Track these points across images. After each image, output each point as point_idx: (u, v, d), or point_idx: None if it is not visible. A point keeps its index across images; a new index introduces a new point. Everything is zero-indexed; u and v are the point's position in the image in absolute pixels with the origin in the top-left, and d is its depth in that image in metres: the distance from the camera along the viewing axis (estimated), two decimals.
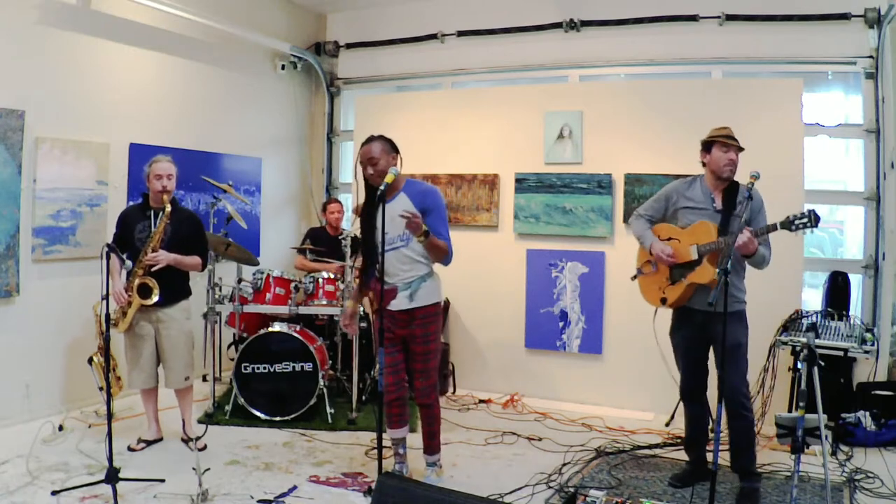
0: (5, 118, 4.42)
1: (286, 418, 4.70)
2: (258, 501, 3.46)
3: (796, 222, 3.19)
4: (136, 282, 4.00)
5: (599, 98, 5.62)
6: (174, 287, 4.15)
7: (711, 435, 3.75)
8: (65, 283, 4.85)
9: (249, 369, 4.73)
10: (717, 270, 3.16)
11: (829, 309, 4.80)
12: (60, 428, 4.39)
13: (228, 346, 5.72)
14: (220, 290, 4.93)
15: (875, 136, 5.09)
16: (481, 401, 5.54)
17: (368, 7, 6.85)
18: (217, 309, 4.89)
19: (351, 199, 6.71)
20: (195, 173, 5.39)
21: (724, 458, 3.83)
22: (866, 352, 4.43)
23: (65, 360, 4.89)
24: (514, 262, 5.80)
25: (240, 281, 4.92)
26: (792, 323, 4.59)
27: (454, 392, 5.80)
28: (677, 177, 5.21)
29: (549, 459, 4.22)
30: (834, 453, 4.21)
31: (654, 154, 5.37)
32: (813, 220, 3.17)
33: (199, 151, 5.85)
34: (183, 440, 4.28)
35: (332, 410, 4.84)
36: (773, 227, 3.28)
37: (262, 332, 4.80)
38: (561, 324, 5.66)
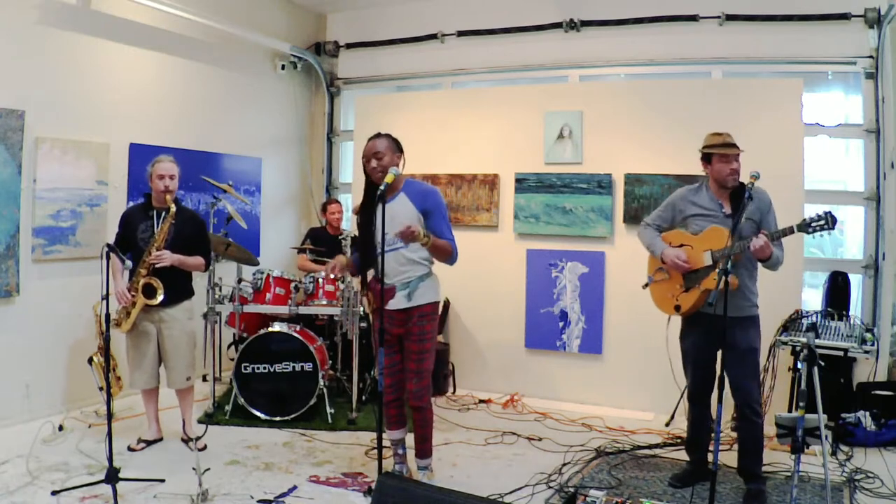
0: (5, 118, 4.42)
1: (286, 418, 4.70)
2: (258, 501, 3.46)
3: (813, 224, 3.12)
4: (141, 282, 4.00)
5: (599, 98, 5.62)
6: (177, 287, 4.15)
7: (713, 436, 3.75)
8: (65, 283, 4.85)
9: (249, 369, 4.73)
10: (717, 271, 3.15)
11: (829, 309, 4.80)
12: (60, 428, 4.39)
13: (228, 346, 5.72)
14: (220, 290, 4.93)
15: (875, 136, 5.09)
16: (481, 401, 5.55)
17: (368, 7, 6.85)
18: (217, 309, 4.89)
19: (351, 199, 6.72)
20: (195, 173, 5.39)
21: (724, 458, 3.84)
22: (866, 352, 4.43)
23: (65, 360, 4.89)
24: (514, 262, 5.80)
25: (240, 281, 4.92)
26: (792, 323, 4.59)
27: (454, 392, 5.80)
28: (677, 177, 5.26)
29: (549, 459, 4.22)
30: (834, 453, 4.21)
31: (654, 154, 5.37)
32: (830, 221, 3.11)
33: (199, 151, 5.85)
34: (183, 440, 4.28)
35: (332, 410, 4.84)
36: (790, 230, 3.23)
37: (262, 332, 4.80)
38: (561, 324, 5.66)
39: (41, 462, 3.86)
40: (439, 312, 3.72)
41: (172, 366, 4.21)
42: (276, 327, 4.85)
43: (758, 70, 5.56)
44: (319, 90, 7.23)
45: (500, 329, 5.86)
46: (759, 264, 3.48)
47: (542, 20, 6.10)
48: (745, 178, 3.45)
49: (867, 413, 4.47)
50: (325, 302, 4.95)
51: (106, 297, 3.35)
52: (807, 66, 5.35)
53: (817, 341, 4.02)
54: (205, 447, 4.17)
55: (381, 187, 3.32)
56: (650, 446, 4.45)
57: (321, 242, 5.76)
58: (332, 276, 3.56)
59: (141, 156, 5.14)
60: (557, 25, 6.01)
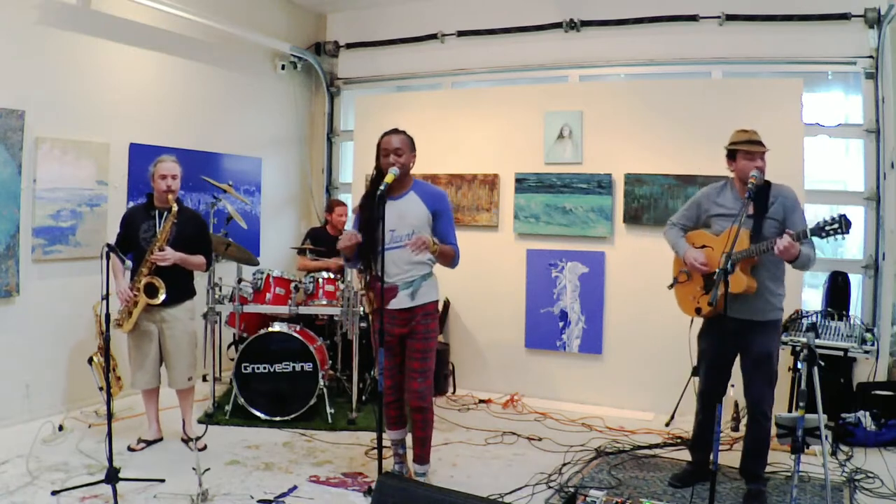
0: (5, 118, 4.42)
1: (286, 418, 4.70)
2: (258, 501, 3.46)
3: (827, 228, 3.07)
4: (143, 281, 4.00)
5: (599, 98, 5.62)
6: (178, 287, 4.16)
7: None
8: (65, 283, 4.85)
9: (249, 369, 4.73)
10: (717, 270, 3.13)
11: (829, 309, 4.81)
12: (60, 428, 4.38)
13: (228, 346, 5.72)
14: (220, 290, 4.93)
15: (875, 136, 5.09)
16: (481, 401, 5.54)
17: (368, 7, 6.85)
18: (217, 309, 4.89)
19: (351, 199, 6.71)
20: (195, 173, 5.38)
21: (724, 458, 3.84)
22: (866, 352, 4.43)
23: (65, 360, 4.89)
24: (514, 262, 5.80)
25: (240, 281, 4.92)
26: (792, 323, 4.59)
27: (454, 392, 5.80)
28: (677, 177, 5.26)
29: (549, 459, 4.22)
30: (834, 453, 4.21)
31: (654, 154, 5.37)
32: (844, 225, 3.04)
33: (199, 151, 5.84)
34: (183, 440, 4.28)
35: (332, 410, 4.84)
36: (804, 234, 3.17)
37: (262, 332, 4.80)
38: (561, 324, 5.66)
39: (41, 462, 3.86)
40: (440, 311, 3.72)
41: (174, 366, 4.21)
42: (276, 327, 4.85)
43: (758, 70, 5.56)
44: (319, 90, 7.23)
45: (500, 329, 5.86)
46: (791, 265, 3.34)
47: (542, 20, 6.10)
48: (780, 172, 3.43)
49: (867, 413, 4.47)
50: (325, 302, 4.95)
51: (106, 297, 3.35)
52: (807, 66, 5.35)
53: (817, 341, 4.03)
54: (205, 447, 4.17)
55: (381, 187, 3.31)
56: (650, 446, 4.45)
57: (321, 242, 5.76)
58: (348, 243, 3.36)
59: (141, 156, 5.14)
60: (557, 25, 6.01)
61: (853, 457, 4.20)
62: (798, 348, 4.36)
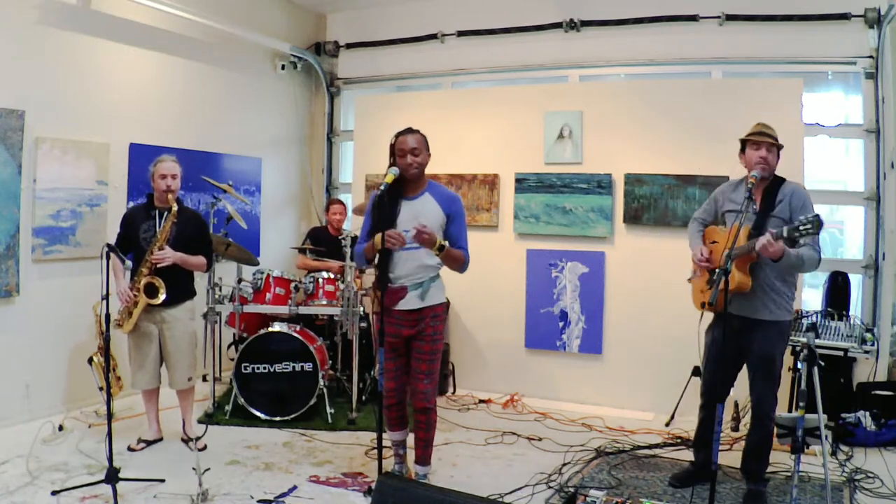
0: (5, 118, 4.42)
1: (286, 418, 4.70)
2: (258, 501, 3.46)
3: (801, 228, 3.07)
4: (143, 281, 4.00)
5: (599, 98, 5.62)
6: (179, 287, 4.15)
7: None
8: (65, 283, 4.85)
9: (249, 369, 4.73)
10: (717, 270, 3.13)
11: (829, 309, 4.81)
12: (60, 428, 4.38)
13: (228, 346, 5.72)
14: (220, 290, 4.93)
15: (875, 136, 5.09)
16: (481, 401, 5.54)
17: (368, 7, 6.85)
18: (217, 309, 4.89)
19: (351, 199, 6.72)
20: (195, 173, 5.38)
21: (724, 458, 3.84)
22: (866, 352, 4.43)
23: (65, 359, 4.89)
24: (514, 262, 5.80)
25: (240, 281, 4.92)
26: (792, 323, 4.57)
27: (454, 392, 5.80)
28: (677, 177, 5.26)
29: (549, 459, 4.22)
30: (834, 453, 4.21)
31: (654, 154, 5.37)
32: (816, 226, 3.04)
33: (199, 151, 5.84)
34: (183, 440, 4.28)
35: (332, 410, 4.84)
36: (781, 235, 3.16)
37: (262, 332, 4.80)
38: (561, 324, 5.66)
39: (41, 462, 3.86)
40: (447, 313, 3.71)
41: (174, 366, 4.21)
42: (276, 327, 4.85)
43: (758, 70, 5.56)
44: (319, 90, 7.23)
45: (500, 329, 5.86)
46: (784, 266, 3.32)
47: (542, 20, 6.10)
48: (779, 172, 3.44)
49: (867, 413, 4.47)
50: (325, 302, 4.95)
51: (106, 297, 3.34)
52: (807, 66, 5.35)
53: (817, 341, 4.03)
54: (205, 447, 4.17)
55: (381, 188, 3.30)
56: (650, 446, 4.45)
57: (322, 242, 5.76)
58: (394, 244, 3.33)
59: (141, 156, 5.14)
60: (557, 25, 6.01)
61: (853, 457, 4.20)
62: (798, 348, 4.36)
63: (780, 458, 4.02)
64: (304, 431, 4.60)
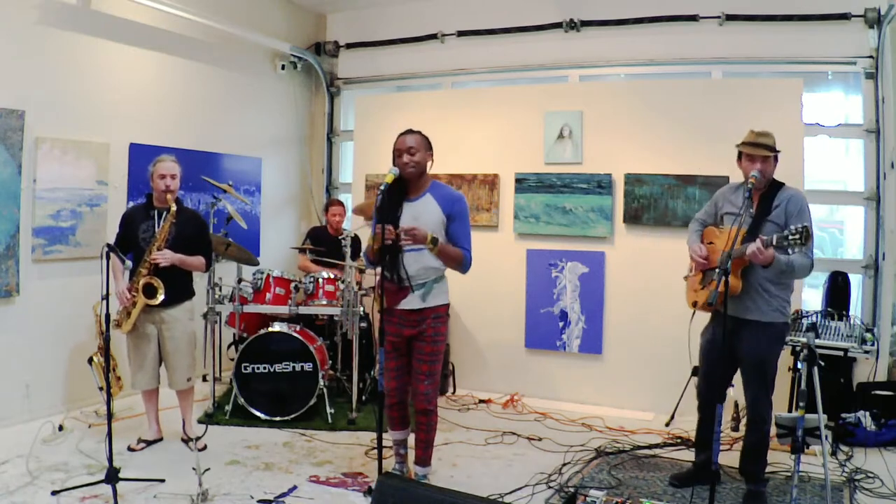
0: (5, 118, 4.42)
1: (286, 418, 4.70)
2: (258, 501, 3.46)
3: (789, 238, 3.08)
4: (142, 282, 4.00)
5: (599, 98, 5.62)
6: (178, 287, 4.15)
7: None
8: (65, 283, 4.85)
9: (249, 369, 4.73)
10: (717, 270, 3.14)
11: (829, 309, 4.80)
12: (60, 428, 4.38)
13: (228, 346, 5.72)
14: (220, 290, 4.93)
15: (875, 136, 5.09)
16: (481, 401, 5.55)
17: (368, 7, 6.85)
18: (217, 309, 4.89)
19: (351, 199, 6.72)
20: (195, 173, 5.38)
21: (724, 458, 3.84)
22: (866, 352, 4.43)
23: (65, 359, 4.89)
24: (514, 262, 5.80)
25: (240, 281, 4.92)
26: (792, 323, 4.58)
27: (454, 392, 5.80)
28: (677, 177, 5.26)
29: (549, 459, 4.22)
30: (834, 453, 4.21)
31: (654, 154, 5.37)
32: (804, 237, 3.04)
33: (199, 151, 5.84)
34: (183, 440, 4.28)
35: (332, 410, 4.84)
36: (770, 243, 3.17)
37: (262, 332, 4.80)
38: (561, 324, 5.66)
39: (41, 462, 3.86)
40: (449, 314, 3.71)
41: (174, 367, 4.20)
42: (276, 327, 4.85)
43: (758, 70, 5.56)
44: (319, 90, 7.23)
45: (500, 329, 5.86)
46: (773, 271, 3.33)
47: (542, 20, 6.10)
48: (780, 173, 3.46)
49: (867, 413, 4.47)
50: (325, 302, 4.95)
51: (106, 297, 3.34)
52: (807, 66, 5.35)
53: (817, 341, 4.03)
54: (205, 447, 4.17)
55: (381, 188, 3.31)
56: (650, 446, 4.45)
57: (322, 242, 5.76)
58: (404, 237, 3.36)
59: (141, 156, 5.14)
60: (557, 25, 6.01)
61: (853, 457, 4.20)
62: (798, 348, 4.36)
63: (780, 458, 4.03)
64: (304, 431, 4.60)
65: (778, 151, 3.50)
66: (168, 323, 4.15)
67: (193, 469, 3.43)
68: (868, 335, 4.47)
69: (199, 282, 4.55)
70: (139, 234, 4.11)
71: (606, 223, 5.50)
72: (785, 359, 4.66)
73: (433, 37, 6.54)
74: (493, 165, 5.91)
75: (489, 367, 5.90)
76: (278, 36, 6.62)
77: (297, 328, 4.91)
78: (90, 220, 5.00)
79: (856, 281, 5.19)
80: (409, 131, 3.52)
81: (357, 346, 4.85)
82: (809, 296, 5.42)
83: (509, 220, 5.84)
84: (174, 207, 4.04)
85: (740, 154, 3.56)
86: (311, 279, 4.99)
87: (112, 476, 3.26)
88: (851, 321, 4.62)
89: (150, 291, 4.01)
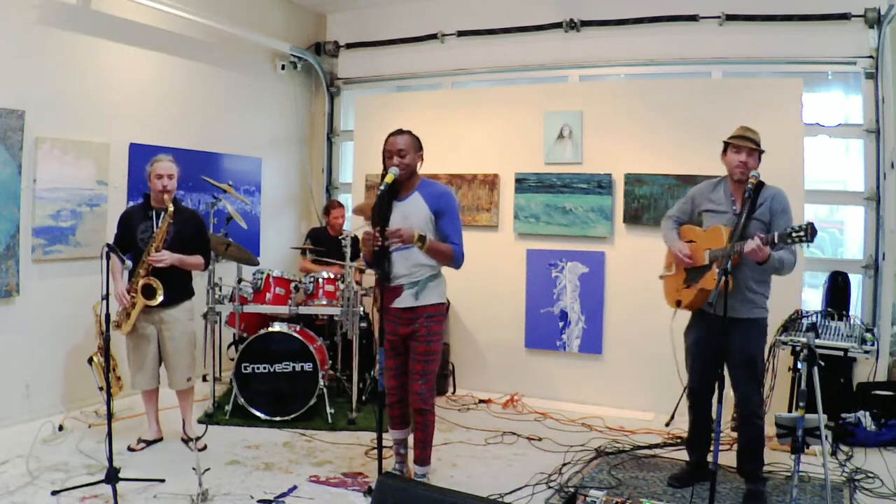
0: (5, 118, 4.42)
1: (286, 418, 4.70)
2: (258, 501, 3.46)
3: (793, 235, 3.11)
4: (140, 282, 3.99)
5: (599, 98, 5.62)
6: (177, 287, 4.15)
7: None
8: (65, 283, 4.85)
9: (249, 369, 4.73)
10: (718, 271, 3.15)
11: (829, 309, 4.80)
12: (60, 428, 4.38)
13: (228, 346, 5.72)
14: (220, 290, 4.93)
15: (875, 136, 5.09)
16: (481, 401, 5.54)
17: (368, 7, 6.85)
18: (217, 309, 4.89)
19: (351, 199, 6.72)
20: (195, 173, 5.38)
21: (724, 458, 3.84)
22: (866, 352, 4.42)
23: (65, 359, 4.89)
24: (514, 262, 5.80)
25: (240, 281, 4.92)
26: (792, 323, 4.59)
27: (454, 392, 5.80)
28: (677, 177, 5.26)
29: (549, 459, 4.22)
30: (834, 453, 4.21)
31: (654, 154, 5.37)
32: (810, 234, 3.07)
33: (199, 151, 5.84)
34: (183, 440, 4.28)
35: (332, 410, 4.84)
36: (772, 239, 3.20)
37: (262, 332, 4.80)
38: (561, 324, 5.66)
39: (41, 462, 3.86)
40: (445, 314, 3.71)
41: (173, 367, 4.20)
42: (276, 327, 4.85)
43: (758, 70, 5.56)
44: (319, 90, 7.23)
45: (500, 329, 5.86)
46: (765, 267, 3.37)
47: (542, 20, 6.10)
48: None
49: (867, 413, 4.47)
50: (325, 302, 4.95)
51: (106, 298, 3.35)
52: (807, 66, 5.35)
53: (817, 341, 4.02)
54: (205, 447, 4.17)
55: (381, 188, 3.31)
56: (650, 446, 4.45)
57: (322, 243, 5.76)
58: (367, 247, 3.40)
59: (141, 156, 5.13)
60: (557, 25, 6.01)
61: (853, 457, 4.20)
62: (798, 348, 4.36)
63: (780, 458, 4.03)
64: (304, 431, 4.60)
65: (763, 151, 3.52)
66: (168, 323, 4.15)
67: (193, 469, 3.43)
68: (868, 335, 4.47)
69: (199, 282, 4.55)
70: (137, 234, 4.10)
71: (606, 223, 5.50)
72: (785, 359, 4.67)
73: (433, 37, 6.54)
74: (493, 165, 5.91)
75: (489, 367, 5.90)
76: (278, 36, 6.62)
77: (297, 328, 4.91)
78: (90, 220, 5.00)
79: (856, 281, 5.19)
80: (399, 132, 3.53)
81: (357, 345, 4.85)
82: (809, 296, 5.42)
83: (509, 220, 5.84)
84: (172, 208, 4.03)
85: (726, 148, 3.58)
86: (311, 279, 4.99)
87: (112, 476, 3.26)
88: (851, 321, 4.62)
89: (149, 292, 4.01)
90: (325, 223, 6.11)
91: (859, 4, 5.05)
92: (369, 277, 5.62)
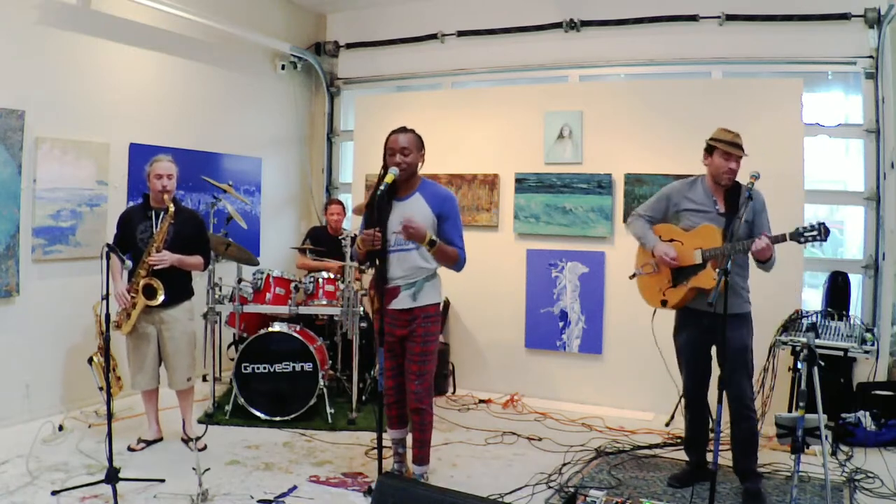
0: (5, 118, 4.42)
1: (286, 418, 4.70)
2: (258, 501, 3.46)
3: (806, 234, 3.13)
4: (141, 283, 3.99)
5: (599, 98, 5.62)
6: (177, 287, 4.15)
7: (712, 435, 3.74)
8: (65, 283, 4.85)
9: (249, 369, 4.73)
10: (717, 271, 3.15)
11: (829, 309, 4.80)
12: (60, 428, 4.38)
13: (228, 346, 5.72)
14: (220, 290, 4.92)
15: (875, 136, 5.09)
16: (481, 401, 5.54)
17: (368, 7, 6.85)
18: (217, 309, 4.89)
19: (351, 199, 6.71)
20: (195, 173, 5.39)
21: (724, 458, 3.84)
22: (866, 352, 4.42)
23: (65, 359, 4.89)
24: (514, 262, 5.80)
25: (240, 281, 4.92)
26: (792, 323, 4.59)
27: (454, 392, 5.80)
28: (677, 177, 5.21)
29: (549, 459, 4.22)
30: (834, 453, 4.21)
31: (654, 154, 5.37)
32: (823, 233, 3.10)
33: (199, 151, 5.85)
34: (183, 440, 4.28)
35: (332, 410, 4.84)
36: (783, 238, 3.22)
37: (262, 332, 4.80)
38: (561, 324, 5.66)
39: (41, 462, 3.86)
40: (441, 314, 3.71)
41: (173, 367, 4.20)
42: (276, 327, 4.85)
43: (758, 70, 5.56)
44: (319, 90, 7.23)
45: (500, 329, 5.86)
46: (757, 264, 3.46)
47: (542, 20, 6.10)
48: (744, 178, 3.46)
49: (867, 413, 4.47)
50: (325, 302, 4.95)
51: (106, 298, 3.35)
52: (807, 66, 5.35)
53: (817, 341, 4.01)
54: (205, 447, 4.17)
55: (381, 188, 3.30)
56: (650, 446, 4.45)
57: (322, 242, 5.76)
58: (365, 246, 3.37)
59: (141, 156, 5.13)
60: (557, 25, 6.01)
61: (853, 457, 4.20)
62: (798, 348, 4.36)
63: (780, 458, 4.03)
64: (304, 431, 4.60)
65: (745, 154, 3.56)
66: (168, 323, 4.15)
67: (193, 469, 3.43)
68: (868, 335, 4.47)
69: (199, 282, 4.55)
70: (137, 234, 4.10)
71: (606, 223, 5.50)
72: (785, 359, 4.67)
73: (433, 37, 6.54)
74: (493, 165, 5.91)
75: (489, 367, 5.90)
76: (278, 36, 6.62)
77: (297, 328, 4.91)
78: (90, 220, 5.00)
79: (856, 281, 5.19)
80: (403, 129, 3.51)
81: (357, 346, 4.85)
82: (809, 296, 5.42)
83: (509, 220, 5.84)
84: (172, 208, 4.03)
85: (710, 150, 3.59)
86: (311, 279, 4.99)
87: (112, 476, 3.26)
88: (851, 321, 4.62)
89: (149, 292, 4.01)
90: (326, 222, 6.11)
91: (859, 4, 5.05)
92: (367, 278, 5.61)
